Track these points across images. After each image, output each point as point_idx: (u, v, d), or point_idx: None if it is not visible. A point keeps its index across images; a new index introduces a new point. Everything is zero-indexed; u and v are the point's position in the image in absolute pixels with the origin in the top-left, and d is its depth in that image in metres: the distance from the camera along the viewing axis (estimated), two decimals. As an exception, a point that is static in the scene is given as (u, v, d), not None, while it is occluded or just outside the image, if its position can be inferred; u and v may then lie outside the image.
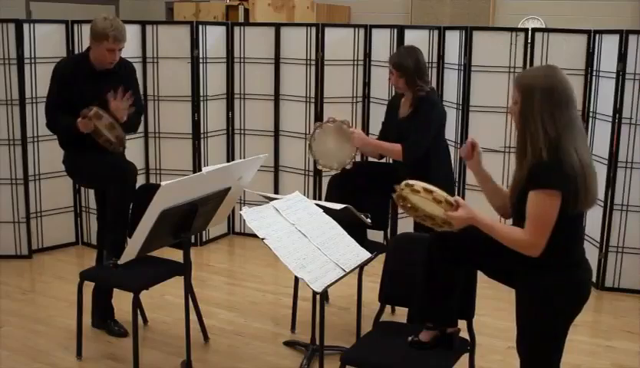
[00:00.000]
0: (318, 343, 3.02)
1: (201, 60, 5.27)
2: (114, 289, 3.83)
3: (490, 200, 2.75)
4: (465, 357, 2.85)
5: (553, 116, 2.39)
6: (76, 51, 5.04)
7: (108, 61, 3.67)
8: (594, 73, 4.59)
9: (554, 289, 2.45)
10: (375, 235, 4.44)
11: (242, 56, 5.47)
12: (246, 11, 7.95)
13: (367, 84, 5.31)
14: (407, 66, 3.80)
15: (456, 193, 4.48)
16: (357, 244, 2.99)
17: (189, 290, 3.21)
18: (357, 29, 5.28)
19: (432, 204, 2.49)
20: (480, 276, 2.81)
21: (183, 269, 3.18)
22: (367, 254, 2.96)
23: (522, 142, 2.45)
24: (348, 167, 3.93)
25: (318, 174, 5.43)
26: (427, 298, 2.75)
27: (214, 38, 5.36)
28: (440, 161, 3.96)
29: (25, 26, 4.92)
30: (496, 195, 2.73)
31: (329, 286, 2.73)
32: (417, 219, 2.59)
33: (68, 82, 3.70)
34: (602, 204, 4.54)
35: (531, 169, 2.40)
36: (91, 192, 4.41)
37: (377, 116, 5.17)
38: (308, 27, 5.35)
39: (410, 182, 2.54)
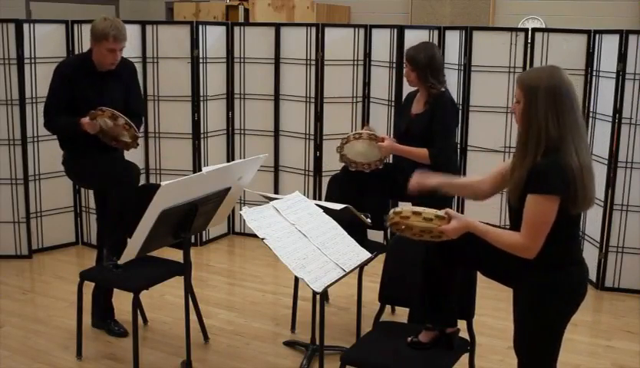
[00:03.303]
0: (318, 343, 3.02)
1: (201, 60, 5.27)
2: (114, 289, 3.83)
3: (465, 195, 2.87)
4: (465, 357, 2.85)
5: (557, 116, 2.39)
6: (76, 51, 5.05)
7: (109, 62, 3.67)
8: (594, 73, 4.59)
9: (552, 288, 2.46)
10: (375, 235, 4.44)
11: (242, 56, 5.47)
12: (246, 11, 7.96)
13: (367, 84, 5.30)
14: (418, 60, 3.80)
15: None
16: (357, 244, 2.99)
17: (189, 290, 3.21)
18: (357, 29, 5.28)
19: (424, 223, 2.53)
20: (480, 276, 2.81)
21: (183, 269, 3.18)
22: (367, 254, 2.96)
23: (524, 142, 2.45)
24: (380, 166, 3.94)
25: (318, 174, 5.43)
26: (425, 299, 2.76)
27: (214, 38, 5.36)
28: (449, 161, 3.97)
29: (25, 26, 4.92)
30: (466, 189, 2.91)
31: (329, 286, 2.72)
32: (414, 237, 2.60)
33: (70, 82, 3.69)
34: (602, 204, 4.54)
35: (530, 172, 2.40)
36: (91, 192, 4.41)
37: (377, 116, 5.19)
38: (308, 27, 5.35)
39: (397, 209, 2.58)
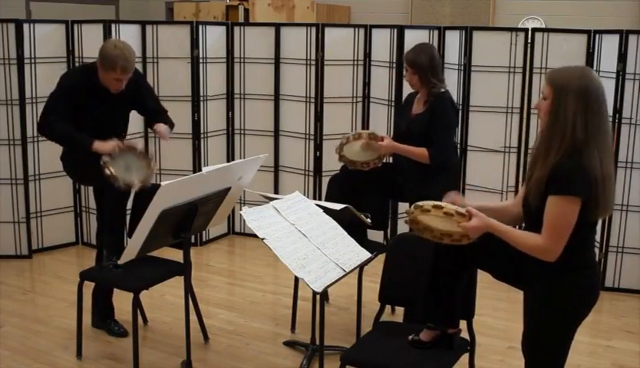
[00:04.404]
0: (318, 343, 3.02)
1: (201, 60, 5.27)
2: (114, 289, 3.83)
3: (503, 221, 2.74)
4: (465, 357, 2.84)
5: (585, 119, 2.35)
6: (76, 52, 5.05)
7: (114, 89, 3.66)
8: (594, 73, 4.59)
9: (566, 290, 2.43)
10: (375, 235, 4.44)
11: (242, 56, 5.47)
12: (246, 11, 7.96)
13: (367, 84, 5.30)
14: (421, 63, 3.81)
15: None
16: (357, 244, 2.99)
17: (189, 290, 3.21)
18: (357, 29, 5.28)
19: (444, 220, 2.48)
20: (480, 276, 2.81)
21: (183, 269, 3.18)
22: (367, 254, 2.96)
23: (548, 141, 2.40)
24: (379, 165, 3.95)
25: (318, 174, 5.43)
26: (431, 300, 2.73)
27: (214, 38, 5.36)
28: (448, 161, 3.97)
29: (25, 26, 4.92)
30: (502, 215, 2.69)
31: (329, 286, 2.72)
32: (435, 240, 2.55)
33: (75, 94, 3.66)
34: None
35: (552, 173, 2.36)
36: (91, 191, 4.40)
37: (377, 116, 5.19)
38: (308, 27, 5.35)
39: (419, 203, 2.53)
